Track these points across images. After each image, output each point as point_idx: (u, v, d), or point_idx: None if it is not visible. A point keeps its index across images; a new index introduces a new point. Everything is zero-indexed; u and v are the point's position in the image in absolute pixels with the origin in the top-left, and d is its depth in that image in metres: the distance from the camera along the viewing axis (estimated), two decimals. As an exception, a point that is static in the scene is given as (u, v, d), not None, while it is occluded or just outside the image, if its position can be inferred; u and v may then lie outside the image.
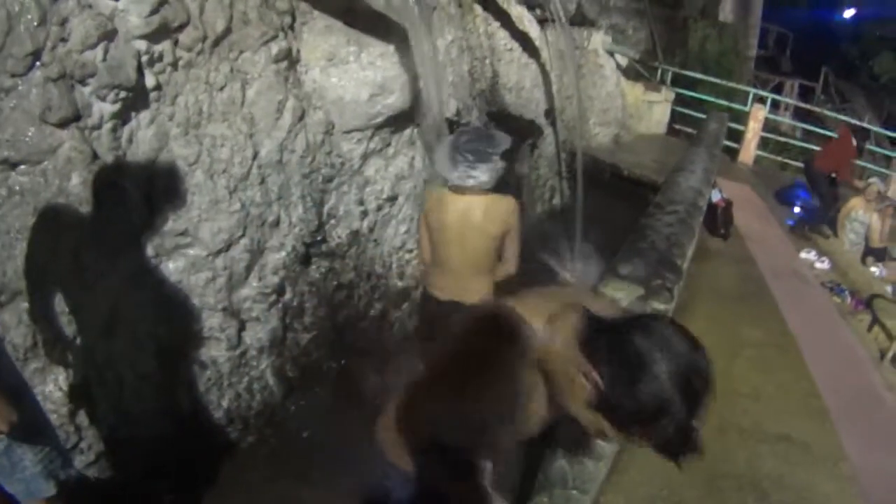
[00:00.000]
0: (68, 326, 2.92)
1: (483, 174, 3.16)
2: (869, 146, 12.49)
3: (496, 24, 6.59)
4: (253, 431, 3.89)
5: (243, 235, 3.63)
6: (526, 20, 7.21)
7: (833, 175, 8.92)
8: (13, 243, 2.70)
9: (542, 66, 7.47)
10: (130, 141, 3.15)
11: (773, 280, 5.58)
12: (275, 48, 3.71)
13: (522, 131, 5.59)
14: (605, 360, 1.31)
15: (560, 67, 7.78)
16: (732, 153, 10.73)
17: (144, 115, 3.19)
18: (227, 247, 3.57)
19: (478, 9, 6.17)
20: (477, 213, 3.24)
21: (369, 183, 4.49)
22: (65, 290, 2.89)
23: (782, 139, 12.92)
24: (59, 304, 2.88)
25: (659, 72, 11.40)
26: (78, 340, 2.97)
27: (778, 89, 19.86)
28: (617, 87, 9.73)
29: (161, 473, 3.37)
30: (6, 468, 2.15)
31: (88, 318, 3.02)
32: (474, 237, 3.28)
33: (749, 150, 10.83)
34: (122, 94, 3.00)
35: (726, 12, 16.31)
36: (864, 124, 12.12)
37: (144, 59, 3.10)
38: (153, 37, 3.11)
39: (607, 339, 1.34)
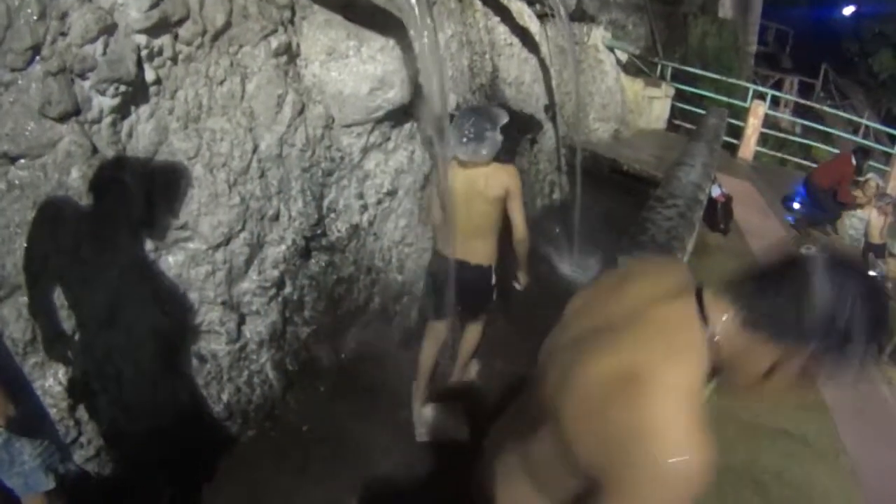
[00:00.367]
0: (67, 320, 2.92)
1: (484, 149, 3.63)
2: (868, 142, 12.55)
3: (496, 19, 6.58)
4: (253, 425, 3.89)
5: (243, 229, 3.63)
6: (526, 15, 7.21)
7: (833, 190, 8.97)
8: (12, 237, 2.70)
9: (541, 62, 7.46)
10: (130, 135, 3.14)
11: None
12: (274, 42, 3.71)
13: (522, 126, 5.58)
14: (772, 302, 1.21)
15: (560, 62, 7.78)
16: (732, 149, 10.75)
17: (144, 110, 3.18)
18: (227, 240, 3.57)
19: (478, 3, 6.17)
20: (480, 181, 3.68)
21: (369, 177, 4.49)
22: (64, 285, 2.89)
23: (782, 135, 12.95)
24: (59, 298, 2.88)
25: (659, 67, 11.42)
26: (77, 334, 2.97)
27: (778, 86, 19.91)
28: (617, 83, 9.73)
29: (161, 467, 3.37)
30: (5, 462, 2.15)
31: (88, 312, 3.01)
32: (478, 202, 3.71)
33: (749, 147, 10.86)
34: (122, 89, 2.99)
35: (726, 8, 16.32)
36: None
37: (144, 53, 3.10)
38: (153, 31, 3.10)
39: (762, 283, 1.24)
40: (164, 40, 3.18)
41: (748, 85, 12.47)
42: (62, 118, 2.80)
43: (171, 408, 3.52)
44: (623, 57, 10.12)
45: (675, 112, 11.37)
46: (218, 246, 3.54)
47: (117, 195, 3.07)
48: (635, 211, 4.71)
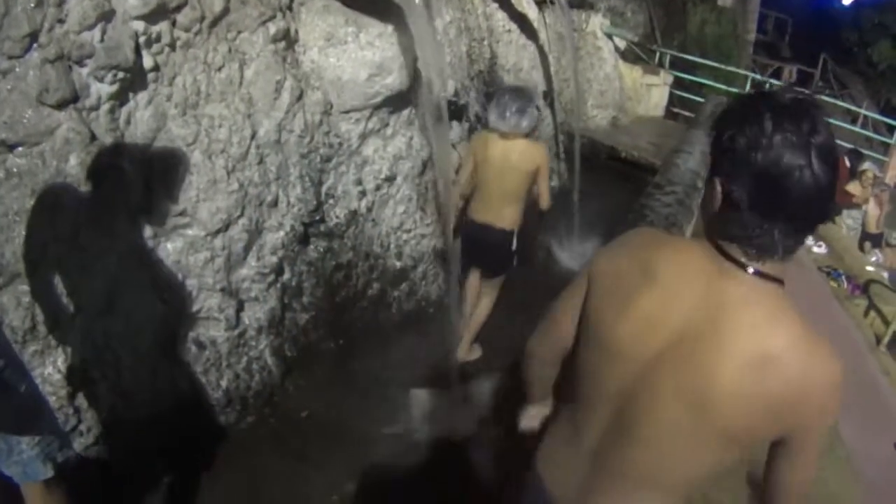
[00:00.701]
0: (67, 308, 2.93)
1: (525, 121, 4.02)
2: (866, 132, 12.55)
3: (494, 6, 6.56)
4: (252, 411, 3.90)
5: (242, 215, 3.63)
6: (525, 1, 7.18)
7: None
8: (11, 225, 2.70)
9: (540, 48, 7.45)
10: (128, 122, 3.14)
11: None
12: (273, 28, 3.70)
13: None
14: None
15: (558, 49, 7.77)
16: (731, 137, 10.72)
17: (142, 96, 3.17)
18: (226, 227, 3.57)
19: (476, -10, 6.14)
20: (514, 154, 4.07)
21: (367, 163, 4.48)
22: (63, 272, 2.89)
23: (780, 123, 12.92)
24: (58, 285, 2.88)
25: (657, 55, 11.40)
26: (76, 322, 2.98)
27: (777, 75, 19.88)
28: (615, 70, 9.70)
29: (160, 454, 3.39)
30: (3, 451, 2.15)
31: (87, 299, 3.02)
32: (511, 173, 4.10)
33: (747, 135, 10.83)
34: (120, 75, 2.99)
35: (725, -4, 16.23)
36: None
37: (142, 39, 3.08)
38: (151, 17, 3.09)
39: None
40: (162, 27, 3.17)
41: (747, 73, 12.47)
42: (60, 105, 2.79)
43: (170, 395, 3.52)
44: (621, 44, 10.08)
45: (673, 100, 11.33)
46: (217, 232, 3.53)
47: (116, 182, 3.07)
48: (633, 197, 4.72)
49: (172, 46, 3.26)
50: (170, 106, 3.30)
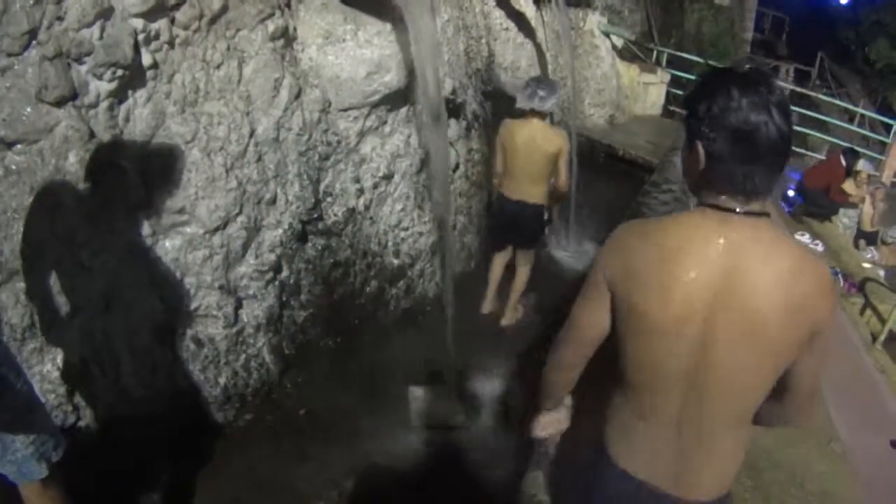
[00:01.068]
0: (65, 306, 2.93)
1: (550, 101, 4.58)
2: (863, 131, 12.57)
3: (492, 4, 6.57)
4: (250, 408, 3.91)
5: (240, 213, 3.63)
6: (522, 0, 7.20)
7: (826, 188, 8.98)
8: (10, 223, 2.70)
9: (537, 47, 7.46)
10: (127, 119, 3.14)
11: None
12: (271, 26, 3.70)
13: (517, 111, 5.65)
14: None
15: (556, 48, 7.78)
16: (727, 135, 10.72)
17: (141, 94, 3.17)
18: (224, 224, 3.57)
19: (474, -12, 6.15)
20: (538, 137, 4.61)
21: (365, 161, 4.49)
22: (62, 270, 2.89)
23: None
24: (56, 283, 2.88)
25: (654, 53, 11.40)
26: (75, 319, 2.98)
27: (774, 73, 19.84)
28: (612, 68, 9.72)
29: (158, 451, 3.39)
30: None
31: (85, 297, 3.02)
32: (536, 154, 4.64)
33: (744, 133, 10.84)
34: (119, 73, 2.99)
35: (723, -6, 16.25)
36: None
37: (141, 37, 3.08)
38: (150, 15, 3.09)
39: None
40: (161, 24, 3.17)
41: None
42: (59, 103, 2.79)
43: (168, 392, 3.53)
44: (619, 42, 10.10)
45: (670, 98, 11.35)
46: (215, 230, 3.54)
47: (114, 180, 3.07)
48: (631, 196, 4.73)
49: (171, 44, 3.26)
50: (168, 103, 3.30)
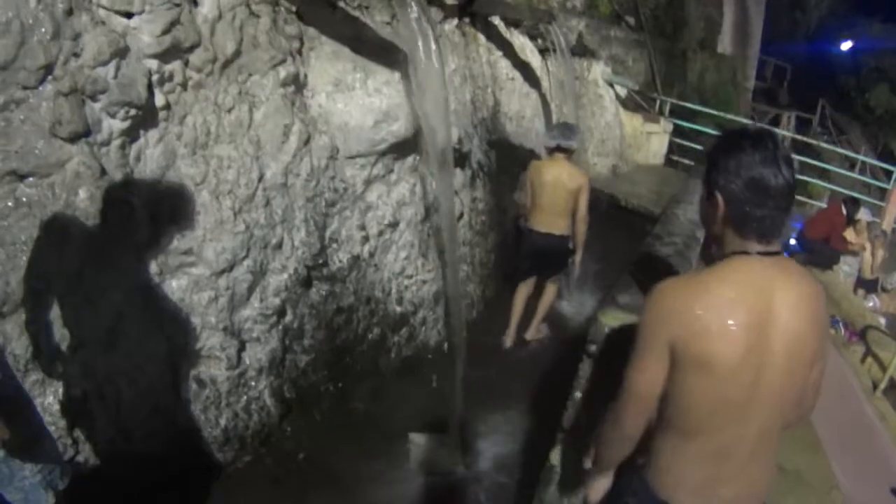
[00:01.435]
0: (69, 340, 2.93)
1: (575, 141, 5.18)
2: (864, 178, 12.64)
3: (499, 54, 6.66)
4: (249, 451, 3.89)
5: (247, 256, 3.65)
6: (528, 50, 7.30)
7: (827, 238, 8.98)
8: (18, 254, 2.72)
9: (542, 96, 7.55)
10: (138, 158, 3.17)
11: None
12: (283, 72, 3.76)
13: (522, 160, 5.79)
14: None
15: (560, 97, 7.86)
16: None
17: (153, 134, 3.22)
18: (231, 267, 3.59)
19: (481, 38, 6.24)
20: (563, 175, 5.14)
21: (371, 208, 4.52)
22: (67, 304, 2.90)
23: (779, 172, 12.98)
24: (62, 317, 2.89)
25: (657, 103, 11.51)
26: (78, 354, 2.98)
27: (775, 121, 20.04)
28: (616, 118, 9.81)
29: (157, 490, 3.36)
30: (5, 476, 2.15)
31: (90, 332, 3.02)
32: (560, 190, 5.15)
33: (746, 183, 10.87)
34: (132, 112, 3.03)
35: (725, 44, 16.49)
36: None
37: (155, 77, 3.14)
38: (164, 56, 3.15)
39: None
40: (175, 66, 3.23)
41: (746, 121, 12.57)
42: (72, 138, 2.83)
43: (168, 430, 3.51)
44: (622, 92, 10.20)
45: (672, 147, 11.42)
46: (221, 272, 3.56)
47: (123, 218, 3.09)
48: (633, 247, 4.75)
49: (184, 86, 3.32)
50: (179, 145, 3.34)
